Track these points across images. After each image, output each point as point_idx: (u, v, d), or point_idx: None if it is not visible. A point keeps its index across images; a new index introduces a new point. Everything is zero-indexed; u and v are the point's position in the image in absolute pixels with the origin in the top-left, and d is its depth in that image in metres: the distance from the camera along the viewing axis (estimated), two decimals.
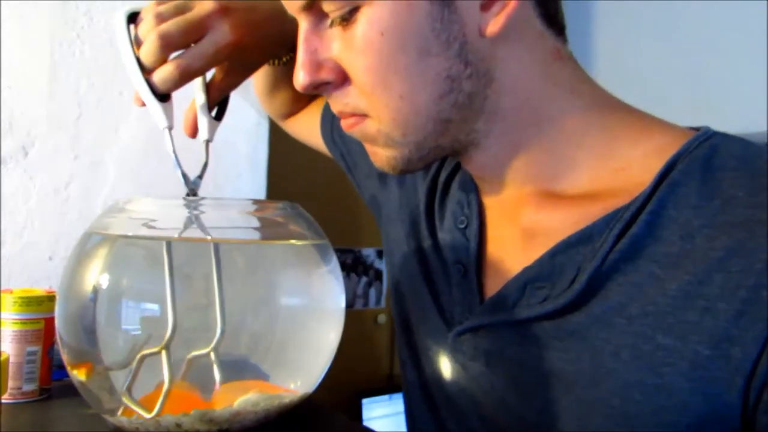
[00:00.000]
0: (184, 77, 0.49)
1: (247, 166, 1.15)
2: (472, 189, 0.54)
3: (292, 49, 0.60)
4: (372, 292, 1.72)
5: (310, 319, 0.53)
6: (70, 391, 0.57)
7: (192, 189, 0.51)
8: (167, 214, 0.53)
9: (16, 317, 0.61)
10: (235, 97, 0.71)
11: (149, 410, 0.44)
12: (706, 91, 1.56)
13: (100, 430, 0.51)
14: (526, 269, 0.47)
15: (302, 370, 0.53)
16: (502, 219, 0.52)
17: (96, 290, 0.47)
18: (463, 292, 0.52)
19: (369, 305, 1.72)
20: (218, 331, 0.47)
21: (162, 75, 0.49)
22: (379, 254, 1.73)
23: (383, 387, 1.69)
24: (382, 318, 1.72)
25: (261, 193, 1.17)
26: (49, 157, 0.94)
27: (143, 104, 0.50)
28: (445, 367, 0.53)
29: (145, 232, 0.50)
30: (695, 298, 0.40)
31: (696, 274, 0.40)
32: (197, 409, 0.47)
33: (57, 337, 0.50)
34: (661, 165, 0.43)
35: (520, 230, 0.50)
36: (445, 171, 0.59)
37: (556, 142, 0.48)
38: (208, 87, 0.55)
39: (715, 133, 0.45)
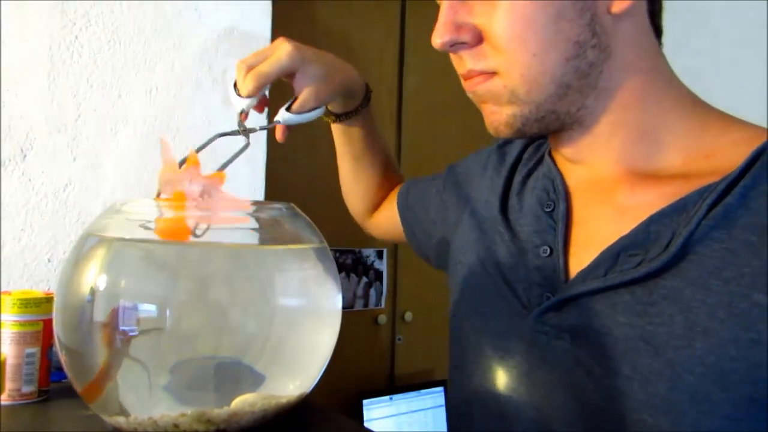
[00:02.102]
0: (256, 80, 0.63)
1: (245, 166, 1.15)
2: (558, 175, 0.58)
3: (361, 103, 0.76)
4: (372, 292, 1.72)
5: (306, 320, 0.53)
6: (68, 392, 0.57)
7: (244, 128, 0.64)
8: (164, 216, 0.53)
9: (15, 319, 0.61)
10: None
11: None
12: (706, 92, 1.56)
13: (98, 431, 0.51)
14: (622, 238, 0.49)
15: (298, 371, 0.53)
16: (592, 199, 0.54)
17: (93, 292, 0.47)
18: (545, 273, 0.53)
19: (369, 305, 1.72)
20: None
21: (242, 84, 0.64)
22: (379, 254, 1.73)
23: (384, 388, 1.69)
24: (382, 318, 1.72)
25: (260, 194, 1.17)
26: (48, 159, 0.95)
27: (245, 118, 0.66)
28: (522, 359, 0.53)
29: (142, 233, 0.51)
30: None
31: None
32: (195, 410, 0.47)
33: (55, 338, 0.50)
34: (750, 152, 0.46)
35: (613, 208, 0.52)
36: (521, 171, 0.63)
37: (652, 126, 0.52)
38: (294, 99, 0.67)
39: None
